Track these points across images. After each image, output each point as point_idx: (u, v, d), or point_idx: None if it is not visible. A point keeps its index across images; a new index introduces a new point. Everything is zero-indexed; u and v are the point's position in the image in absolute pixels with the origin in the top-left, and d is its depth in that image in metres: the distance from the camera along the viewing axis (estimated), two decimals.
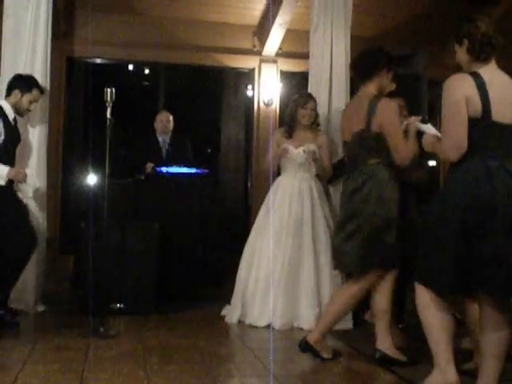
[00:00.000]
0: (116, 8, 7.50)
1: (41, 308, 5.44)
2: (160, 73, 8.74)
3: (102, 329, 4.60)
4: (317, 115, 5.45)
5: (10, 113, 5.03)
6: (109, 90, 4.77)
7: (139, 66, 9.32)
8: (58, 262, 6.92)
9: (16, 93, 5.07)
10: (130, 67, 9.37)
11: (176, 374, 3.79)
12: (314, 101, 5.44)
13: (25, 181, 4.99)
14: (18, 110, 5.10)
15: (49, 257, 5.98)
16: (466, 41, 3.28)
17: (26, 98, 5.08)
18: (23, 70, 5.36)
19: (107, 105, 4.77)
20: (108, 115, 4.79)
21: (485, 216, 3.08)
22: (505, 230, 3.08)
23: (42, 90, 5.20)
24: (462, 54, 3.34)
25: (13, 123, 5.05)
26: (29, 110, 5.16)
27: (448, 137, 3.19)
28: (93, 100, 5.28)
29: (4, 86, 5.26)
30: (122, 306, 5.45)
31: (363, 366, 4.13)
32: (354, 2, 5.93)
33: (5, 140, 4.87)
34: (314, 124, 5.44)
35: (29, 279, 5.34)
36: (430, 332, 3.34)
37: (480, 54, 3.24)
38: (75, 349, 4.27)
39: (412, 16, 7.71)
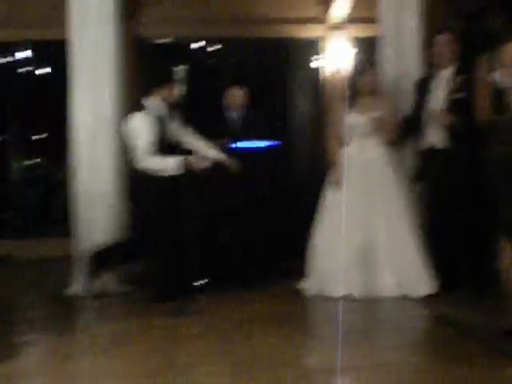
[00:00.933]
0: None
1: (125, 289, 5.50)
2: (228, 48, 8.71)
3: (186, 307, 4.64)
4: (379, 81, 5.33)
5: None
6: (181, 68, 4.76)
7: (207, 43, 9.30)
8: None
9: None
10: (199, 44, 9.37)
11: (266, 348, 3.80)
12: (375, 66, 5.32)
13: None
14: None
15: None
16: None
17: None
18: (92, 54, 5.40)
19: (181, 83, 4.77)
20: (182, 92, 4.79)
21: None
22: None
23: None
24: None
25: None
26: None
27: None
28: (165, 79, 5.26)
29: (76, 71, 5.31)
30: (206, 282, 5.46)
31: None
32: None
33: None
34: (377, 89, 5.32)
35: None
36: None
37: None
38: (163, 327, 4.33)
39: None
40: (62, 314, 4.86)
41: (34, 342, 4.12)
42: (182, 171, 4.98)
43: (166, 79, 5.12)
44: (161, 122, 5.05)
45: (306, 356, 3.85)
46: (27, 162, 9.73)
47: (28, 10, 7.39)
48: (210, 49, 9.56)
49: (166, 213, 4.98)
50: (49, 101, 8.77)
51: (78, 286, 5.41)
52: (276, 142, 6.46)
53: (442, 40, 5.10)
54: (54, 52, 7.72)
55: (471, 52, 4.70)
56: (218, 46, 9.22)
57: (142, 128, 4.98)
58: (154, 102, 5.11)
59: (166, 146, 5.03)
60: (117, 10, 5.61)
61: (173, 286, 5.02)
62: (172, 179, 4.98)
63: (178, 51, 8.40)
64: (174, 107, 5.22)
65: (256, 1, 7.87)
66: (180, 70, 4.77)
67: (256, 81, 8.92)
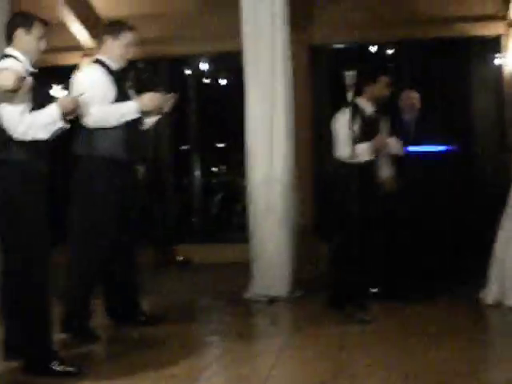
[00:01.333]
0: None
1: (298, 293, 5.53)
2: (402, 51, 8.53)
3: (358, 315, 4.58)
4: None
5: None
6: (350, 73, 4.73)
7: (382, 47, 9.16)
8: (317, 247, 7.04)
9: None
10: (373, 49, 9.26)
11: (439, 360, 3.66)
12: None
13: None
14: None
15: (305, 242, 6.09)
16: None
17: None
18: (265, 61, 5.50)
19: (348, 88, 4.74)
20: (349, 99, 4.76)
21: None
22: None
23: None
24: None
25: None
26: None
27: None
28: (339, 86, 5.29)
29: (251, 81, 5.45)
30: (377, 291, 5.37)
31: None
32: None
33: None
34: None
35: (284, 265, 5.49)
36: None
37: None
38: (331, 335, 4.30)
39: None
40: (237, 317, 4.95)
41: (215, 343, 4.30)
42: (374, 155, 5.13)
43: (372, 78, 5.26)
44: (364, 118, 5.17)
45: (484, 370, 3.64)
46: (209, 170, 10.13)
47: (204, 25, 7.70)
48: (385, 51, 9.41)
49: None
50: (228, 111, 9.07)
51: (253, 290, 5.53)
52: (453, 147, 6.23)
53: None
54: (231, 63, 7.96)
55: None
56: (394, 49, 9.04)
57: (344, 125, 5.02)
58: (362, 101, 5.24)
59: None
60: (289, 18, 5.65)
61: (353, 291, 4.96)
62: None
63: (353, 55, 8.37)
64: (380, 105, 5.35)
65: (432, 0, 7.64)
66: (350, 75, 4.72)
67: (434, 83, 8.65)
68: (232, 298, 5.57)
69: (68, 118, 3.67)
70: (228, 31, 6.29)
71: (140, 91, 4.66)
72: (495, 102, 8.15)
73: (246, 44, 5.67)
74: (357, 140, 4.92)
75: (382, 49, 9.15)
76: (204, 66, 9.20)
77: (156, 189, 9.00)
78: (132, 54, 4.60)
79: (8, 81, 3.18)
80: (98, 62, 4.57)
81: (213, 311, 5.28)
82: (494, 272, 5.03)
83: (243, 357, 3.91)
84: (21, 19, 3.79)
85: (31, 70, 3.72)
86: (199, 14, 7.88)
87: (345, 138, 5.00)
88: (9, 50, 3.75)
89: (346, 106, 4.98)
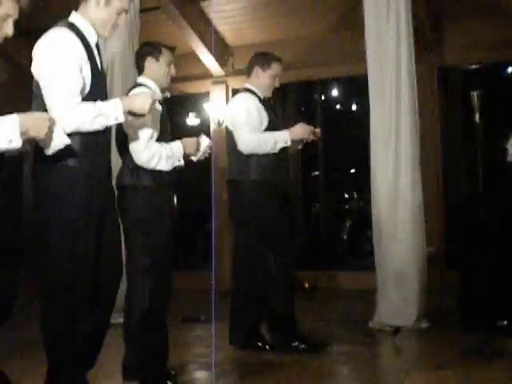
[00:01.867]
0: (485, 10, 7.18)
1: (424, 324, 5.32)
2: None
3: (485, 347, 4.32)
4: None
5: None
6: (475, 93, 4.54)
7: None
8: (445, 277, 6.80)
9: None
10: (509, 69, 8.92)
11: None
12: None
13: None
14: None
15: (434, 271, 5.88)
16: None
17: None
18: (390, 82, 5.41)
19: (475, 109, 4.55)
20: (476, 119, 4.56)
21: None
22: None
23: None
24: None
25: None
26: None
27: None
28: (468, 107, 5.10)
29: (376, 105, 5.44)
30: (508, 323, 5.06)
31: None
32: None
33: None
34: None
35: (410, 294, 5.32)
36: None
37: None
38: (455, 367, 4.08)
39: None
40: (360, 346, 4.82)
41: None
42: None
43: None
44: None
45: None
46: (340, 195, 10.08)
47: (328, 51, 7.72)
48: None
49: None
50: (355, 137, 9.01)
51: (378, 318, 5.40)
52: None
53: None
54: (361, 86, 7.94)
55: None
56: None
57: None
58: None
59: None
60: (413, 43, 5.53)
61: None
62: None
63: (482, 76, 8.09)
64: None
65: None
66: (476, 96, 4.53)
67: None
68: (357, 326, 5.45)
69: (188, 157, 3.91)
70: (355, 54, 6.23)
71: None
72: None
73: (371, 66, 5.60)
74: None
75: None
76: (333, 90, 9.20)
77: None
78: (278, 84, 4.72)
79: (144, 104, 3.23)
80: (247, 90, 4.70)
81: (335, 338, 5.15)
82: None
83: None
84: (149, 48, 3.96)
85: (161, 97, 3.87)
86: (325, 39, 7.90)
87: None
88: (140, 79, 3.93)
89: None
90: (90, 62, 3.15)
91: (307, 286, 7.74)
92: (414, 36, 5.58)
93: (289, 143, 4.59)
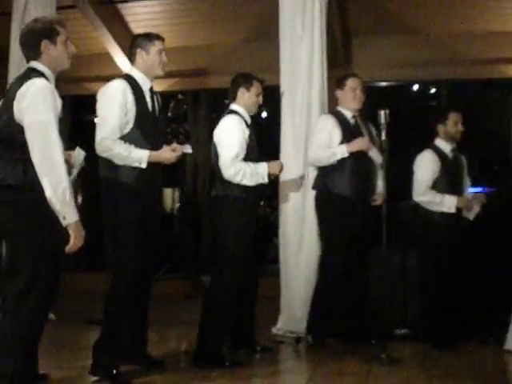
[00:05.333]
0: (391, 29, 7.48)
1: None
2: (443, 91, 8.51)
3: (383, 355, 4.51)
4: None
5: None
6: (382, 112, 4.73)
7: (423, 86, 9.18)
8: None
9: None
10: (414, 87, 9.27)
11: None
12: None
13: None
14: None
15: None
16: None
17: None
18: (301, 99, 5.53)
19: (381, 127, 4.74)
20: (383, 137, 4.75)
21: None
22: None
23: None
24: None
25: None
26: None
27: None
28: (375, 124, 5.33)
29: (287, 116, 5.58)
30: (406, 331, 5.31)
31: None
32: None
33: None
34: None
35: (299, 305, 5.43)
36: None
37: None
38: (355, 374, 4.23)
39: None
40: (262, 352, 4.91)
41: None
42: (455, 210, 5.14)
43: (440, 116, 5.35)
44: (444, 159, 5.26)
45: None
46: None
47: (242, 59, 7.82)
48: (426, 91, 9.42)
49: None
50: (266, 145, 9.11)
51: (281, 325, 5.53)
52: (490, 189, 6.15)
53: None
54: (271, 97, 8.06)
55: None
56: (434, 89, 9.05)
57: (422, 165, 5.24)
58: (439, 141, 5.32)
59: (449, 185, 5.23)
60: (326, 57, 5.69)
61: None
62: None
63: (391, 95, 8.39)
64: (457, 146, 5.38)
65: (474, 41, 7.65)
66: (382, 114, 4.72)
67: (474, 124, 8.61)
68: (259, 333, 5.52)
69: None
70: (270, 64, 6.33)
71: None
72: None
73: (284, 78, 5.70)
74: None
75: (424, 88, 9.18)
76: None
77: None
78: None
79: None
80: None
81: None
82: None
83: None
84: (242, 79, 4.73)
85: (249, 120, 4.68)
86: (240, 47, 8.00)
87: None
88: (233, 107, 4.72)
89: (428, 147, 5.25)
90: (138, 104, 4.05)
91: None
92: (326, 51, 5.73)
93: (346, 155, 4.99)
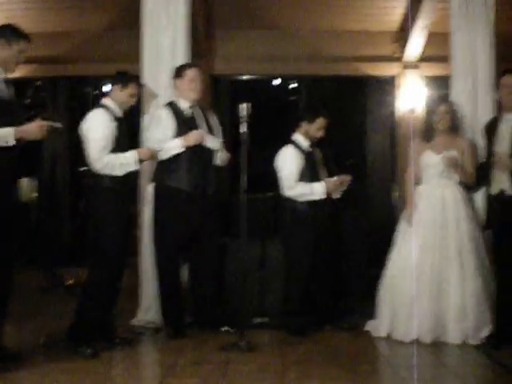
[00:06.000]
0: (255, 24, 7.59)
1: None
2: (303, 86, 8.75)
3: (241, 343, 4.61)
4: (455, 119, 5.22)
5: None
6: (244, 105, 4.81)
7: (284, 81, 9.37)
8: None
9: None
10: (276, 82, 9.45)
11: None
12: (449, 104, 5.26)
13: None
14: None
15: None
16: None
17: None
18: (164, 91, 5.51)
19: (242, 120, 4.82)
20: (243, 130, 4.83)
21: None
22: None
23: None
24: None
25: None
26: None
27: None
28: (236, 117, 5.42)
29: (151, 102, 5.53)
30: (264, 319, 5.44)
31: None
32: None
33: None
34: (454, 128, 5.21)
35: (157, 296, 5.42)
36: None
37: None
38: (214, 363, 4.30)
39: None
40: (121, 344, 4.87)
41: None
42: (325, 195, 5.32)
43: (307, 115, 5.49)
44: (305, 154, 5.41)
45: None
46: None
47: (103, 47, 7.68)
48: (288, 87, 9.63)
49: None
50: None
51: (140, 316, 5.49)
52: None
53: (508, 82, 4.93)
54: None
55: None
56: (295, 84, 9.28)
57: (287, 160, 5.38)
58: (298, 136, 5.46)
59: (310, 177, 5.38)
60: (190, 48, 5.70)
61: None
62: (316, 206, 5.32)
63: (253, 88, 8.51)
64: (316, 141, 5.52)
65: (333, 39, 7.91)
66: (244, 108, 4.81)
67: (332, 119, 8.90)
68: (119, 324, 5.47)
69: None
70: (132, 53, 6.25)
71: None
72: (389, 140, 8.47)
73: (146, 67, 5.64)
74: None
75: (285, 83, 9.38)
76: (107, 87, 9.13)
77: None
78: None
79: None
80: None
81: None
82: (383, 303, 5.17)
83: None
84: (120, 77, 4.85)
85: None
86: (102, 35, 7.85)
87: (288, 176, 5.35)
88: (104, 100, 4.81)
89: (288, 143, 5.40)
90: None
91: (70, 282, 7.61)
92: (190, 42, 5.73)
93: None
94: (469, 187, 5.21)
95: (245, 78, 8.36)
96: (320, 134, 5.48)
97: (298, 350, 4.72)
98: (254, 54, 7.72)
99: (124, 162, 4.61)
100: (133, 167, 4.68)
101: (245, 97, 5.14)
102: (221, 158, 5.30)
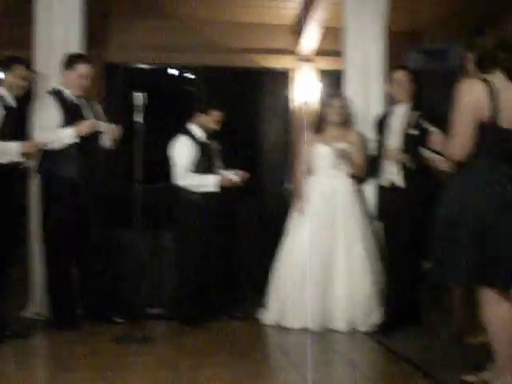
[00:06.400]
0: (152, 12, 7.51)
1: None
2: (199, 76, 8.74)
3: (136, 334, 4.59)
4: (347, 112, 5.37)
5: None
6: (139, 94, 4.79)
7: (180, 70, 9.32)
8: None
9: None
10: (171, 71, 9.38)
11: (207, 378, 3.77)
12: (342, 98, 5.41)
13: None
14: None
15: None
16: (472, 51, 3.41)
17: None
18: (56, 78, 5.39)
19: (137, 109, 4.79)
20: (138, 119, 4.80)
21: (499, 215, 3.19)
22: None
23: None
24: (469, 62, 3.46)
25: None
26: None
27: (455, 137, 3.28)
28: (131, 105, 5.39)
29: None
30: (159, 311, 5.44)
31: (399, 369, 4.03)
32: None
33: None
34: (346, 121, 5.36)
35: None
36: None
37: (482, 66, 3.37)
38: (108, 355, 4.27)
39: (451, 9, 7.53)
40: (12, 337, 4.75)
41: None
42: (218, 188, 5.34)
43: (203, 107, 5.48)
44: (200, 145, 5.41)
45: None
46: None
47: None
48: (184, 76, 9.58)
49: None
50: None
51: (33, 307, 5.36)
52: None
53: (399, 77, 5.16)
54: None
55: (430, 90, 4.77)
56: (192, 74, 9.24)
57: (180, 150, 5.38)
58: (194, 127, 5.46)
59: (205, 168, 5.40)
60: (84, 36, 5.60)
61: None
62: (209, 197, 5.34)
63: (146, 77, 8.44)
64: (212, 133, 5.53)
65: (229, 30, 7.92)
66: (139, 96, 4.78)
67: (228, 110, 8.95)
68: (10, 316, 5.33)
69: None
70: (24, 40, 6.07)
71: None
72: (283, 132, 8.59)
73: (38, 57, 5.52)
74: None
75: (180, 72, 9.33)
76: None
77: None
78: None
79: None
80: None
81: None
82: (273, 293, 5.27)
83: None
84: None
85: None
86: None
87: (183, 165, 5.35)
88: None
89: (183, 133, 5.41)
90: None
91: None
92: (84, 30, 5.62)
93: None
94: (359, 179, 5.38)
95: (141, 66, 8.26)
96: (216, 126, 5.51)
97: (192, 340, 4.75)
98: (150, 43, 7.63)
99: (4, 150, 4.53)
100: (11, 158, 4.57)
101: (141, 86, 5.09)
102: (109, 140, 5.25)
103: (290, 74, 8.20)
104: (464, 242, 3.19)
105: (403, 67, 5.33)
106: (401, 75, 5.16)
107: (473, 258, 3.17)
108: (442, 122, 4.66)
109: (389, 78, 5.30)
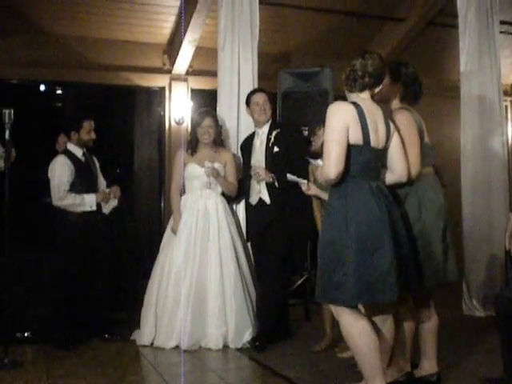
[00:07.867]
0: (20, 28, 7.34)
1: None
2: (71, 93, 8.57)
3: (5, 359, 4.42)
4: (218, 132, 5.44)
5: None
6: (7, 111, 4.64)
7: (51, 87, 9.11)
8: None
9: None
10: (42, 87, 9.15)
11: None
12: (212, 117, 5.42)
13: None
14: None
15: None
16: (346, 73, 3.54)
17: None
18: None
19: (6, 126, 4.64)
20: (6, 136, 4.65)
21: (378, 229, 3.28)
22: (396, 239, 3.33)
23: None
24: (341, 84, 3.62)
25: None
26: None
27: (328, 158, 3.33)
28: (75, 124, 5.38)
29: None
30: (29, 334, 5.25)
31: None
32: (260, 20, 5.93)
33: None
34: (217, 141, 5.43)
35: None
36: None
37: (353, 87, 3.51)
38: None
39: (319, 33, 7.81)
40: None
41: None
42: (95, 207, 5.36)
43: (76, 124, 5.43)
44: (77, 162, 5.35)
45: None
46: None
47: None
48: (54, 93, 9.37)
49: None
50: None
51: None
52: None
53: (256, 99, 5.32)
54: None
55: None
56: (63, 91, 9.06)
57: (57, 170, 5.31)
58: (71, 146, 5.43)
59: (83, 186, 5.37)
60: None
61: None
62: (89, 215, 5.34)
63: (18, 93, 8.19)
64: (90, 149, 5.52)
65: (101, 47, 7.86)
66: (6, 114, 4.62)
67: (100, 127, 8.83)
68: None
69: None
70: None
71: None
72: (157, 150, 8.58)
73: None
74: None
75: (51, 89, 9.12)
76: None
77: None
78: None
79: None
80: None
81: None
82: (146, 313, 5.24)
83: None
84: None
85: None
86: None
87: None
88: None
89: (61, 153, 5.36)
90: None
91: None
92: None
93: None
94: (231, 198, 5.47)
95: (10, 82, 8.00)
96: (91, 136, 5.44)
97: (64, 363, 4.62)
98: (18, 58, 7.44)
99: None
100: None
101: (8, 103, 4.92)
102: None
103: (165, 93, 8.22)
104: (348, 263, 3.25)
105: (260, 90, 5.47)
106: (257, 97, 5.32)
107: (357, 278, 3.22)
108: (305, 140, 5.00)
109: (248, 102, 5.41)
